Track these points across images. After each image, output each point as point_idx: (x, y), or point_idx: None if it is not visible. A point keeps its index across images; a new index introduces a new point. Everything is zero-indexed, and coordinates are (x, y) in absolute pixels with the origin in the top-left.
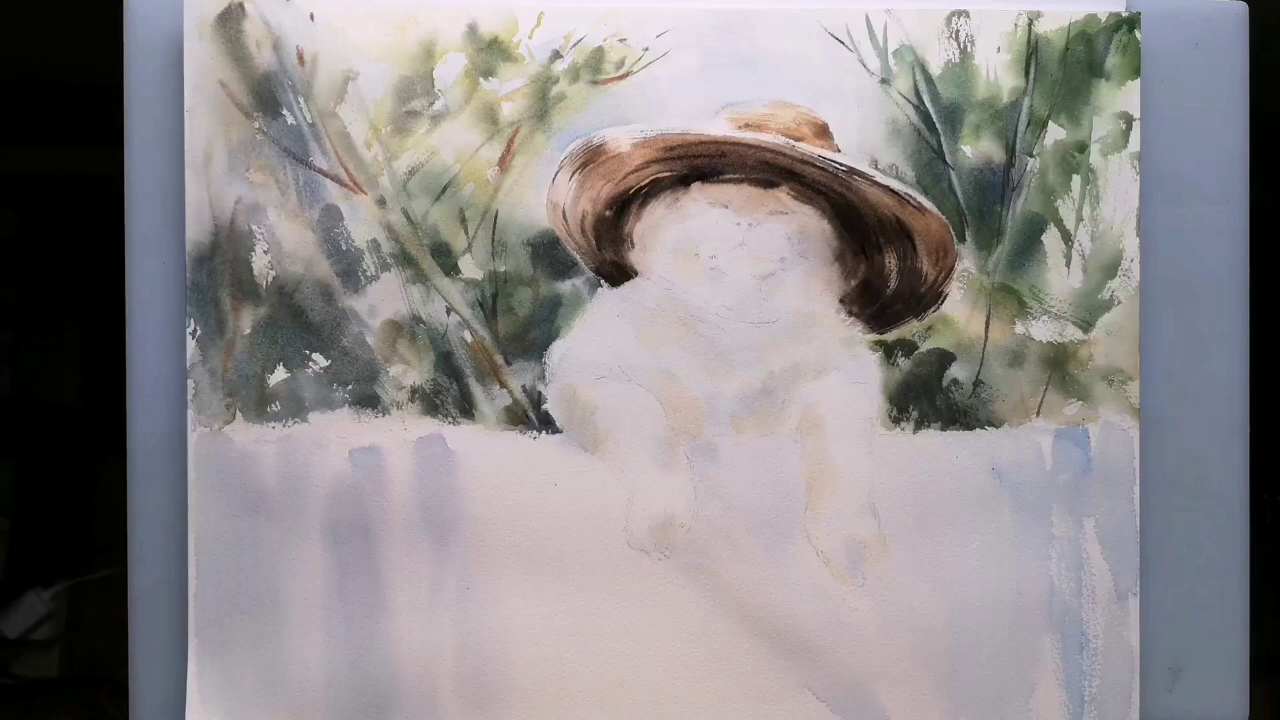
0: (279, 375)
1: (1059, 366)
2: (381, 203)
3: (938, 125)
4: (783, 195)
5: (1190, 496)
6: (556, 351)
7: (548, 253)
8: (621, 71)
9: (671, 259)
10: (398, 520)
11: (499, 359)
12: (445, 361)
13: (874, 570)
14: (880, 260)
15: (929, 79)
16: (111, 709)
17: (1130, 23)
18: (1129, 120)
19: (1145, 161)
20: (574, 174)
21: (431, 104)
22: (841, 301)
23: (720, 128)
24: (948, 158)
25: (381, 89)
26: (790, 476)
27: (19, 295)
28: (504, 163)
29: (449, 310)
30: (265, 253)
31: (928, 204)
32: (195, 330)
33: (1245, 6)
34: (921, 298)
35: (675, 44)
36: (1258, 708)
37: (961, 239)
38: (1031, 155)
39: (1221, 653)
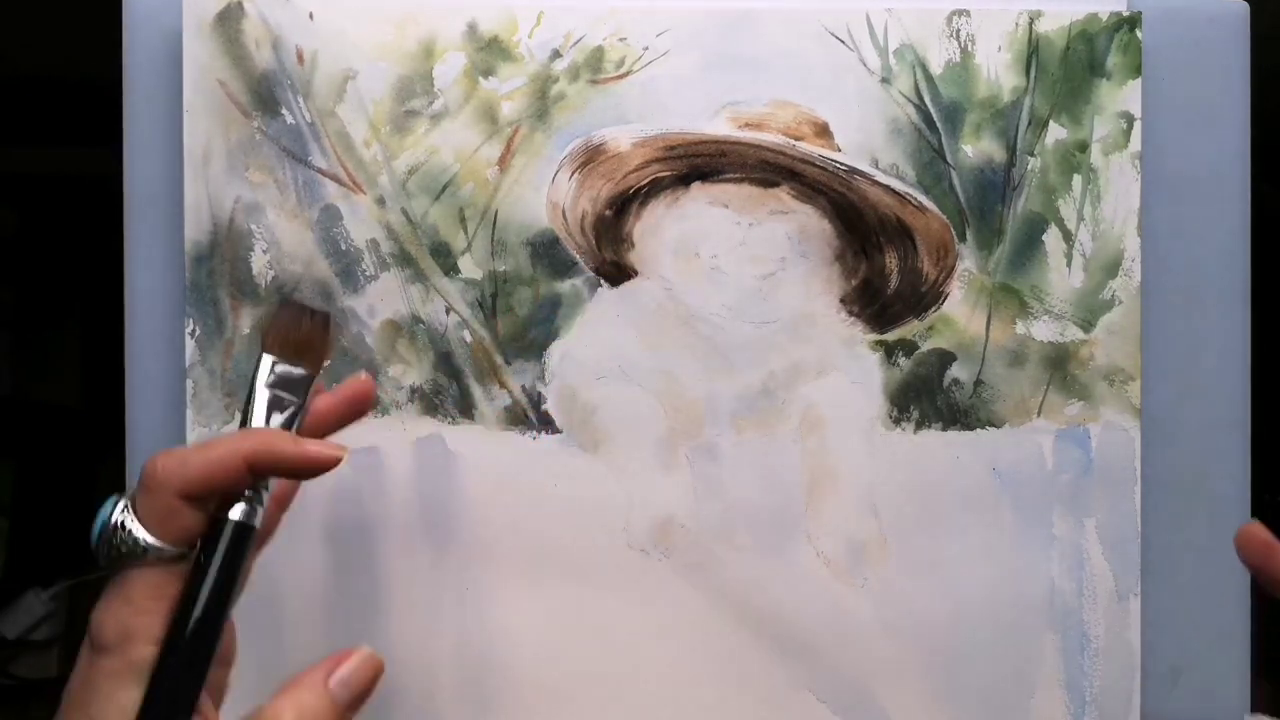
0: None
1: (1060, 366)
2: (381, 202)
3: (938, 124)
4: (783, 195)
5: (1191, 496)
6: (556, 351)
7: (547, 252)
8: (621, 71)
9: (671, 259)
10: (398, 520)
11: (499, 359)
12: (445, 361)
13: (874, 570)
14: (881, 260)
15: (929, 78)
16: None
17: (1131, 22)
18: (1130, 120)
19: (1146, 161)
20: (574, 173)
21: (431, 103)
22: (842, 301)
23: (720, 127)
24: (948, 157)
25: (381, 88)
26: (790, 476)
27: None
28: (503, 162)
29: (448, 310)
30: (264, 252)
31: (928, 203)
32: (194, 330)
33: (1246, 6)
34: (922, 297)
35: (675, 43)
36: (1258, 708)
37: (962, 238)
38: (1032, 155)
39: (1222, 653)
